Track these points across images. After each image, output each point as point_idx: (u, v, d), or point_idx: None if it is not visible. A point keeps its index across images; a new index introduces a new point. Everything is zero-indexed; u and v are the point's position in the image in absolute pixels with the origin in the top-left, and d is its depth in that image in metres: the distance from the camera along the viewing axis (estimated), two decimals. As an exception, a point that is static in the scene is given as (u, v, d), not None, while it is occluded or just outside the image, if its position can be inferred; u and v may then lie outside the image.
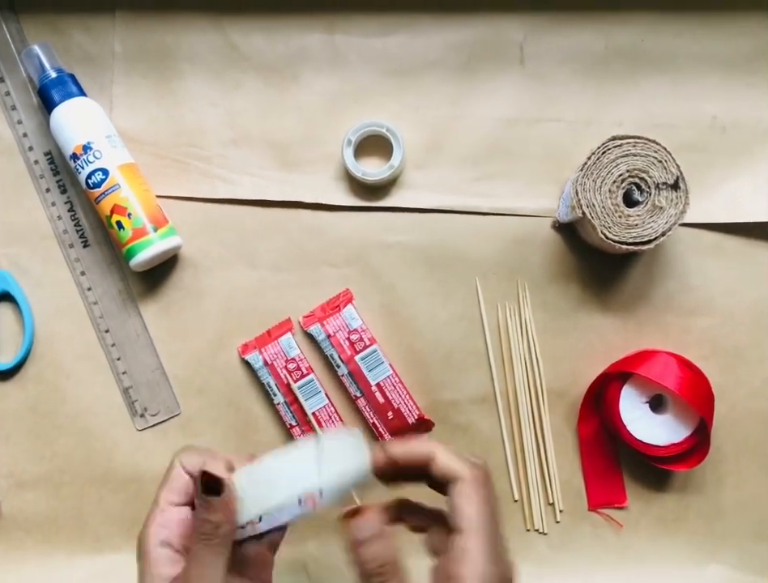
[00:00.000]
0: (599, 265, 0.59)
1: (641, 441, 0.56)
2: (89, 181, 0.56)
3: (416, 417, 0.58)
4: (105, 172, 0.55)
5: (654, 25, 0.59)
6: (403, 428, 0.59)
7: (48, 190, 0.60)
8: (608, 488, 0.59)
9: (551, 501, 0.59)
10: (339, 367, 0.58)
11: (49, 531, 0.60)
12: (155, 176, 0.59)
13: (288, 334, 0.59)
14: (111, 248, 0.60)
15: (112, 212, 0.56)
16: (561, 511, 0.59)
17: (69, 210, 0.60)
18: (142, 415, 0.60)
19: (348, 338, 0.58)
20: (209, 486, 0.39)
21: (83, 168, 0.56)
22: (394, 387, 0.58)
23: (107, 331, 0.60)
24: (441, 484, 0.40)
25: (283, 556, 0.59)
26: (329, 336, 0.58)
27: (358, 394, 0.58)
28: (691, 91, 0.59)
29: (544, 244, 0.59)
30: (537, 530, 0.59)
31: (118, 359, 0.60)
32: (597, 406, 0.59)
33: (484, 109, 0.60)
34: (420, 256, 0.60)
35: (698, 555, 0.59)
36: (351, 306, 0.59)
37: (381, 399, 0.58)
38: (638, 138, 0.53)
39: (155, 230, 0.56)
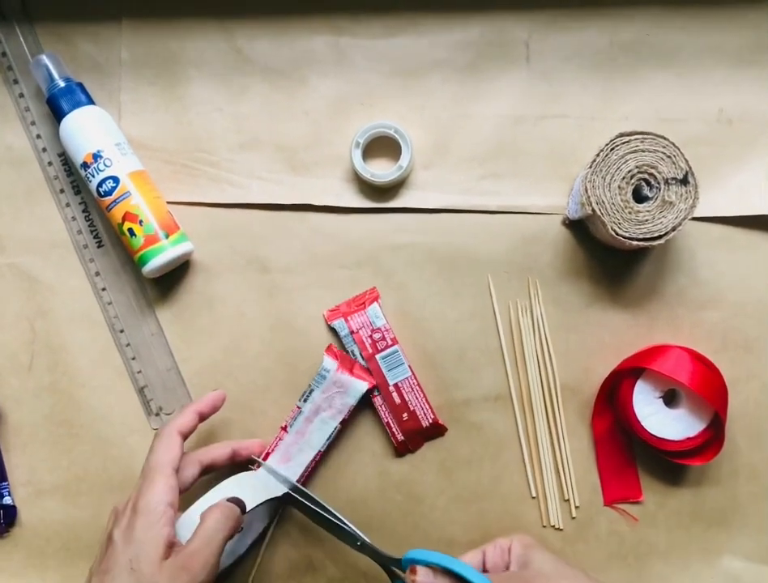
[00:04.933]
0: (609, 261, 0.59)
1: (655, 436, 0.56)
2: (100, 190, 0.56)
3: (431, 421, 0.59)
4: (116, 179, 0.56)
5: (659, 19, 0.59)
6: (416, 430, 0.59)
7: (62, 191, 0.60)
8: (623, 483, 0.59)
9: (566, 497, 0.59)
10: (359, 364, 0.59)
11: (68, 539, 0.60)
12: (165, 183, 0.60)
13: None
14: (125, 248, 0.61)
15: (123, 220, 0.56)
16: (576, 507, 0.59)
17: (83, 211, 0.60)
18: (157, 414, 0.60)
19: (371, 336, 0.58)
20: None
21: (93, 176, 0.56)
22: (412, 389, 0.58)
23: (122, 331, 0.60)
24: None
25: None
26: (352, 332, 0.58)
27: (375, 392, 0.59)
28: (697, 85, 0.59)
29: (554, 242, 0.60)
30: (553, 526, 0.59)
31: (133, 359, 0.60)
32: (611, 402, 0.59)
33: (491, 108, 0.60)
34: (431, 256, 0.60)
35: (714, 548, 0.59)
36: (376, 304, 0.59)
37: (397, 400, 0.58)
38: (646, 133, 0.53)
39: (167, 236, 0.56)
